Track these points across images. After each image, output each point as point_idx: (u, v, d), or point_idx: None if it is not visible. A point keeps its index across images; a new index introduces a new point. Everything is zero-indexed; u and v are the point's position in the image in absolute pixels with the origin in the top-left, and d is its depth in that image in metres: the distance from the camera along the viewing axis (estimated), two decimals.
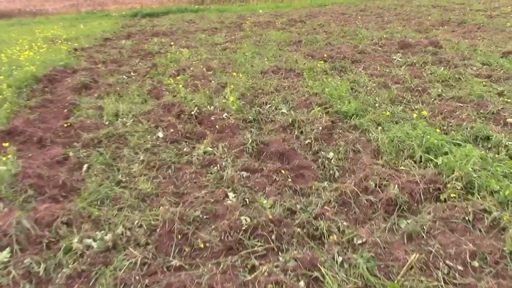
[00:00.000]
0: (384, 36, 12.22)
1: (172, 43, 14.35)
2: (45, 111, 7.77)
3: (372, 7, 23.35)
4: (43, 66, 10.54)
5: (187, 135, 6.21)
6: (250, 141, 5.57)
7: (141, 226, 3.89)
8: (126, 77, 9.82)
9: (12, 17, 33.29)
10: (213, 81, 8.72)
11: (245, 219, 3.80)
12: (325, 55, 10.03)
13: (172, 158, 5.45)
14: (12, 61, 10.84)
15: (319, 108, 6.52)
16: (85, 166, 5.33)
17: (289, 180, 4.65)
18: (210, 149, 5.54)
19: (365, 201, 4.11)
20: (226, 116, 6.58)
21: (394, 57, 9.86)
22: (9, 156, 5.19)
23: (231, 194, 4.34)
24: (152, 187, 4.65)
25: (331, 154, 5.16)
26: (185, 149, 5.71)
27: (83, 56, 12.67)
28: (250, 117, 6.54)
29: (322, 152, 5.28)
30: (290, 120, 6.12)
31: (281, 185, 4.55)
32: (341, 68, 8.98)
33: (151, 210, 4.21)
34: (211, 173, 4.97)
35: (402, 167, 4.68)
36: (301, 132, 5.90)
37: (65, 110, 7.64)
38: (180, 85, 7.94)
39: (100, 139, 6.03)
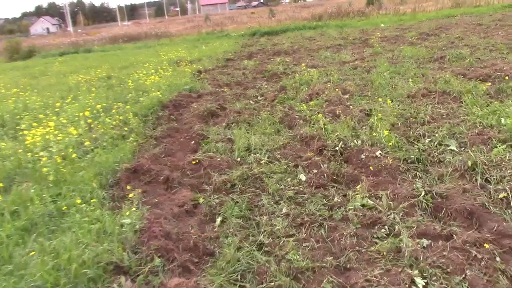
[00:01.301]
0: None
1: (295, 63, 13.39)
2: (171, 141, 7.05)
3: (510, 16, 20.79)
4: (168, 91, 10.02)
5: (333, 177, 5.05)
6: (423, 192, 4.26)
7: None
8: (253, 102, 8.93)
9: (139, 39, 34.68)
10: (352, 107, 7.51)
11: None
12: (507, 75, 8.38)
13: (322, 211, 4.31)
14: (138, 86, 10.46)
15: (503, 146, 5.03)
16: (219, 219, 4.36)
17: (497, 258, 3.28)
18: (370, 201, 4.33)
19: None
20: (380, 154, 5.33)
21: None
22: (133, 208, 4.37)
23: (419, 281, 3.08)
24: (306, 259, 3.52)
25: None
26: (335, 199, 4.54)
27: (207, 78, 12.10)
28: (411, 156, 5.22)
29: None
30: (469, 162, 4.70)
31: (487, 267, 3.20)
32: (510, 91, 7.32)
33: None
34: (378, 238, 3.75)
35: None
36: (487, 180, 4.46)
37: (192, 142, 6.85)
38: (319, 114, 6.82)
39: (233, 182, 5.06)
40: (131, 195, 4.75)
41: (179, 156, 6.43)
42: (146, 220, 4.22)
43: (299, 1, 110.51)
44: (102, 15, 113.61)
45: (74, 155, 5.82)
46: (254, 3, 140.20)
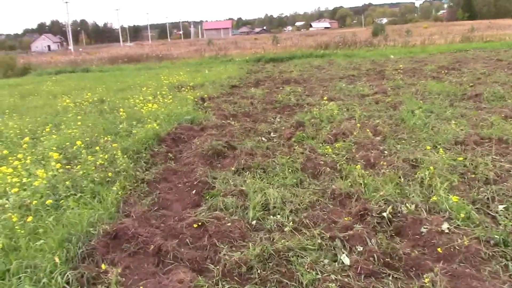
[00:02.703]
0: None
1: (308, 93, 12.09)
2: (167, 188, 5.65)
3: None
4: (167, 121, 8.67)
5: (386, 259, 3.64)
6: None
7: None
8: (266, 140, 7.56)
9: (140, 61, 33.54)
10: (387, 153, 6.16)
11: None
12: None
13: None
14: (133, 115, 9.08)
15: None
16: None
17: None
18: None
19: None
20: (448, 229, 3.93)
21: None
22: None
23: None
24: None
25: None
26: None
27: (211, 107, 10.75)
28: (495, 235, 3.81)
29: None
30: None
31: None
32: None
33: None
34: None
35: None
36: None
37: (194, 191, 5.44)
38: (358, 165, 5.38)
39: (250, 263, 3.63)
40: (104, 267, 3.29)
41: (177, 210, 5.04)
42: None
43: (302, 30, 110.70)
44: (105, 35, 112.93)
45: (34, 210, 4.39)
46: (257, 30, 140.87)
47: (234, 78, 16.77)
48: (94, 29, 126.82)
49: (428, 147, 5.89)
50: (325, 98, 10.11)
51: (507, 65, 15.80)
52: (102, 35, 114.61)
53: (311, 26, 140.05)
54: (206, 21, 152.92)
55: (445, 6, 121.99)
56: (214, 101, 11.68)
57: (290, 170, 5.79)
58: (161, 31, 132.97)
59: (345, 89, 12.33)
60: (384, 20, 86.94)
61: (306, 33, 76.54)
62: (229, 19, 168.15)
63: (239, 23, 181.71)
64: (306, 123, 8.13)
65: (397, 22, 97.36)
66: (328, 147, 6.55)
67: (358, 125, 7.39)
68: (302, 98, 11.29)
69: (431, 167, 5.14)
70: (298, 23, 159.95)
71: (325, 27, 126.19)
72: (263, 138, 7.65)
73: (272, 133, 7.99)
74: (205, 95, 12.40)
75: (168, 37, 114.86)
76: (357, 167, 5.26)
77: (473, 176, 5.15)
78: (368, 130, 7.05)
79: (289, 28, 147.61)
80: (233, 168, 6.01)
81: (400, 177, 5.11)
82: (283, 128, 8.24)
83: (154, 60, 32.90)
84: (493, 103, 8.92)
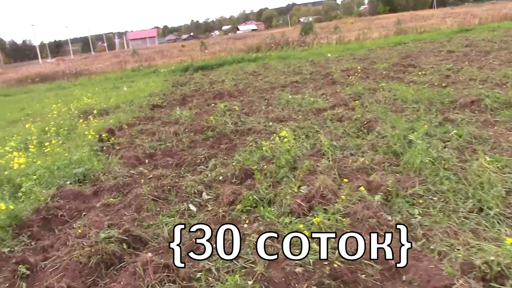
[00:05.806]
0: None
1: (247, 111, 9.23)
2: None
3: (475, 41, 17.82)
4: (44, 182, 5.51)
5: None
6: None
7: None
8: (195, 210, 4.57)
9: (55, 79, 29.33)
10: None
11: None
12: None
13: None
14: None
15: None
16: None
17: None
18: None
19: None
20: None
21: None
22: None
23: None
24: None
25: None
26: None
27: (119, 144, 7.60)
28: None
29: None
30: None
31: None
32: None
33: None
34: None
35: None
36: None
37: None
38: None
39: None
40: None
41: None
42: None
43: (229, 33, 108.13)
44: (25, 53, 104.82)
45: None
46: (184, 36, 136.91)
47: (156, 95, 13.59)
48: (12, 47, 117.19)
49: (509, 241, 3.03)
50: (283, 132, 7.02)
51: (464, 56, 13.64)
52: (21, 52, 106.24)
53: (238, 29, 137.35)
54: (132, 31, 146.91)
55: (366, 1, 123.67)
56: (126, 133, 8.50)
57: None
58: (85, 44, 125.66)
59: (293, 102, 9.53)
60: (310, 19, 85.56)
61: (234, 37, 73.82)
62: (155, 27, 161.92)
63: (165, 31, 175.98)
64: (255, 171, 5.17)
65: (322, 20, 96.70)
66: (300, 225, 3.67)
67: (346, 180, 4.51)
68: (242, 120, 8.38)
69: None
70: (225, 27, 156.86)
71: (252, 29, 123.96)
72: (191, 206, 4.65)
73: (204, 194, 4.98)
74: (115, 124, 9.22)
75: (92, 50, 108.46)
76: None
77: None
78: (362, 188, 4.18)
79: (216, 32, 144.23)
80: None
81: None
82: (221, 179, 5.28)
83: (71, 77, 28.85)
84: (503, 114, 6.37)
